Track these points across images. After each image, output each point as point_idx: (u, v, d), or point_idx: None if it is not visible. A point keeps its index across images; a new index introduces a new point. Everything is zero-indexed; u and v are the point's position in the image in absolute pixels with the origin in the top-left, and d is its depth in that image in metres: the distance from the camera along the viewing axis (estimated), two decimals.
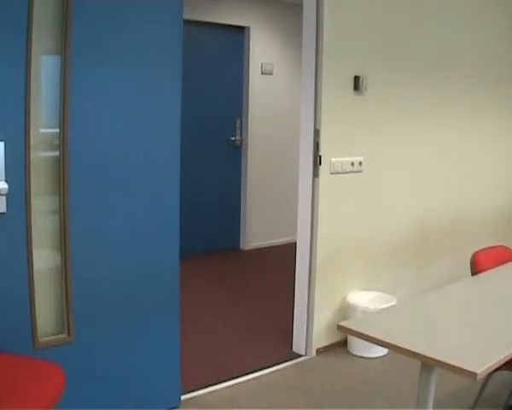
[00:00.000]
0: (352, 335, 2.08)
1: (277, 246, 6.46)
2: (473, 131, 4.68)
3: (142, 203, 2.71)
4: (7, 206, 2.29)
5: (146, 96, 2.66)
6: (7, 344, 2.31)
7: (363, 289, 3.92)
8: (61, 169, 2.46)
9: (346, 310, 3.78)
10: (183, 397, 3.04)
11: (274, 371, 3.45)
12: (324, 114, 3.55)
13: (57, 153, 2.46)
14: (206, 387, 3.21)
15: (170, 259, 2.84)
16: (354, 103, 3.72)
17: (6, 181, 2.27)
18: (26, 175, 2.33)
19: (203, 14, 5.62)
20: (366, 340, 2.02)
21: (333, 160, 3.64)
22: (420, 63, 4.11)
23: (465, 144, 4.62)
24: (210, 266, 5.68)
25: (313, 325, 3.67)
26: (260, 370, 3.45)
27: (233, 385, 3.25)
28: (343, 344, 3.81)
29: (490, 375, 2.56)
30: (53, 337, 2.52)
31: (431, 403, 1.93)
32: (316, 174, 3.59)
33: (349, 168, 3.74)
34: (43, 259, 2.48)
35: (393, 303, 3.67)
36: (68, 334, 2.54)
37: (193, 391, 3.15)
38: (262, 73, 6.17)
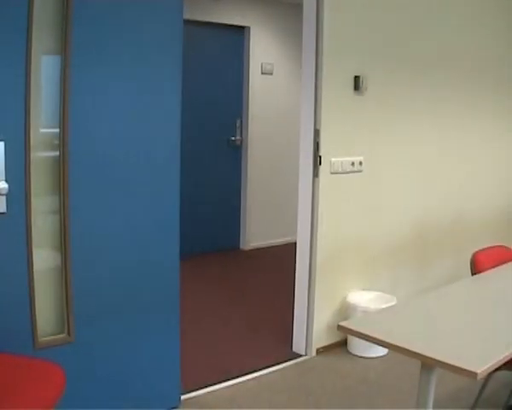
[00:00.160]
0: (352, 335, 2.08)
1: (277, 246, 6.46)
2: (473, 131, 4.68)
3: (142, 203, 2.71)
4: (7, 206, 2.29)
5: (146, 96, 2.67)
6: (7, 344, 2.31)
7: (363, 289, 3.92)
8: (61, 169, 2.46)
9: (346, 310, 3.78)
10: (183, 397, 3.04)
11: (274, 371, 3.45)
12: (324, 114, 3.55)
13: (57, 153, 2.46)
14: (206, 387, 3.21)
15: (170, 259, 2.84)
16: (354, 103, 3.72)
17: (6, 181, 2.27)
18: (26, 175, 2.33)
19: (203, 14, 5.62)
20: (366, 340, 2.02)
21: (333, 160, 3.64)
22: (420, 63, 4.11)
23: (465, 144, 4.62)
24: (210, 266, 5.68)
25: (313, 325, 3.67)
26: (260, 370, 3.45)
27: (233, 385, 3.25)
28: (343, 344, 3.82)
29: (490, 375, 2.56)
30: (53, 337, 2.52)
31: (431, 403, 1.93)
32: (316, 174, 3.59)
33: (349, 168, 3.74)
34: (43, 259, 2.48)
35: (393, 303, 3.67)
36: (68, 334, 2.54)
37: (193, 391, 3.15)
38: (262, 73, 6.17)
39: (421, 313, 2.27)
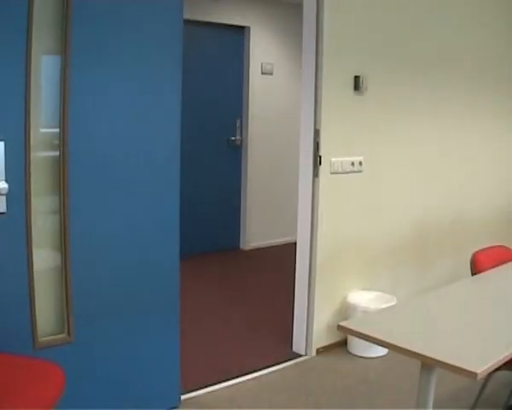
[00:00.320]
0: (352, 335, 2.08)
1: (277, 246, 6.46)
2: (473, 131, 4.68)
3: (142, 203, 2.71)
4: (7, 206, 2.29)
5: (146, 96, 2.67)
6: (7, 344, 2.31)
7: (363, 289, 3.92)
8: (61, 169, 2.46)
9: (346, 310, 3.78)
10: (183, 397, 3.04)
11: (274, 371, 3.45)
12: (324, 114, 3.55)
13: (57, 153, 2.46)
14: (206, 387, 3.21)
15: (170, 259, 2.84)
16: (354, 103, 3.72)
17: (6, 181, 2.27)
18: (26, 175, 2.33)
19: (203, 14, 5.62)
20: (366, 340, 2.02)
21: (333, 160, 3.64)
22: (420, 63, 4.11)
23: (465, 144, 4.62)
24: (210, 266, 5.68)
25: (313, 325, 3.67)
26: (260, 370, 3.45)
27: (233, 385, 3.25)
28: (343, 344, 3.82)
29: (490, 375, 2.56)
30: (53, 337, 2.51)
31: (431, 403, 1.93)
32: (316, 174, 3.59)
33: (349, 168, 3.74)
34: (43, 259, 2.48)
35: (393, 303, 3.67)
36: (68, 334, 2.54)
37: (193, 391, 3.15)
38: (262, 73, 6.17)
39: (421, 313, 2.27)
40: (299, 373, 3.45)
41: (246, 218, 6.27)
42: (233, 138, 6.14)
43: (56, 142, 2.45)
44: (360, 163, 3.80)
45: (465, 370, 1.73)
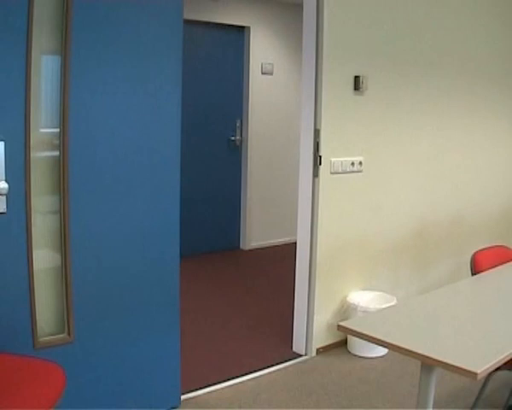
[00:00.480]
0: (352, 335, 2.08)
1: (277, 246, 6.46)
2: (473, 130, 4.68)
3: (143, 203, 2.71)
4: (7, 206, 2.29)
5: (146, 95, 2.66)
6: (7, 344, 2.31)
7: (363, 289, 3.92)
8: (61, 169, 2.46)
9: (346, 310, 3.78)
10: (183, 397, 3.04)
11: (274, 371, 3.45)
12: (324, 114, 3.55)
13: (57, 153, 2.46)
14: (206, 387, 3.21)
15: (170, 259, 2.84)
16: (354, 103, 3.72)
17: (6, 181, 2.27)
18: (25, 175, 2.33)
19: (203, 14, 5.62)
20: (366, 340, 2.02)
21: (333, 160, 3.64)
22: (420, 63, 4.11)
23: (465, 144, 4.62)
24: (210, 266, 5.68)
25: (313, 325, 3.67)
26: (260, 370, 3.45)
27: (233, 385, 3.25)
28: (343, 344, 3.82)
29: (490, 375, 2.56)
30: (53, 337, 2.52)
31: (431, 403, 1.93)
32: (316, 174, 3.59)
33: (349, 168, 3.74)
34: (43, 259, 2.48)
35: (393, 303, 3.67)
36: (68, 334, 2.54)
37: (193, 391, 3.15)
38: (262, 73, 6.17)
39: (421, 313, 2.27)
40: (299, 373, 3.45)
41: (246, 218, 6.27)
42: (233, 138, 6.14)
43: (56, 142, 2.46)
44: (360, 163, 3.80)
45: (465, 370, 1.73)
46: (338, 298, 3.80)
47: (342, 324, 2.09)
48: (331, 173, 3.64)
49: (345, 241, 3.79)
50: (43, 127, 2.44)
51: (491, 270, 2.83)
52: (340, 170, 3.69)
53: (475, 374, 1.71)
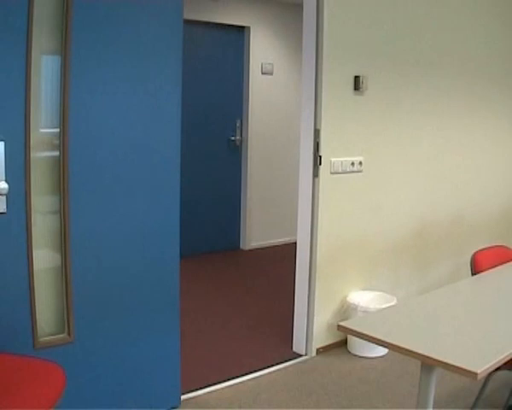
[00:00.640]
0: (352, 335, 2.08)
1: (277, 246, 6.46)
2: (473, 131, 4.68)
3: (143, 203, 2.71)
4: (7, 206, 2.29)
5: (146, 95, 2.66)
6: (7, 344, 2.31)
7: (364, 289, 3.92)
8: (61, 169, 2.46)
9: (346, 310, 3.78)
10: (183, 397, 3.04)
11: (274, 371, 3.45)
12: (324, 114, 3.55)
13: (57, 153, 2.46)
14: (206, 387, 3.21)
15: (170, 259, 2.84)
16: (354, 103, 3.72)
17: (6, 181, 2.27)
18: (25, 175, 2.33)
19: (203, 14, 5.62)
20: (366, 340, 2.02)
21: (333, 160, 3.64)
22: (421, 63, 4.11)
23: (465, 144, 4.62)
24: (210, 266, 5.68)
25: (313, 325, 3.67)
26: (260, 370, 3.45)
27: (233, 385, 3.25)
28: (343, 344, 3.82)
29: (490, 375, 2.56)
30: (53, 337, 2.52)
31: (431, 403, 1.93)
32: (316, 174, 3.59)
33: (349, 168, 3.74)
34: (43, 259, 2.48)
35: (393, 303, 3.67)
36: (68, 334, 2.54)
37: (193, 391, 3.15)
38: (262, 73, 6.17)
39: (421, 313, 2.27)
40: (299, 373, 3.45)
41: (246, 218, 6.27)
42: (233, 138, 6.14)
43: (56, 142, 2.46)
44: (360, 163, 3.80)
45: (465, 370, 1.73)
46: (338, 298, 3.80)
47: (342, 324, 2.09)
48: (331, 173, 3.64)
49: (345, 241, 3.79)
50: (43, 127, 2.44)
51: (491, 270, 2.83)
52: (340, 170, 3.69)
53: (475, 374, 1.71)
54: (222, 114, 6.02)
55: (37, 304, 2.42)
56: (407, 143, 4.12)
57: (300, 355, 3.69)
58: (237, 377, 3.35)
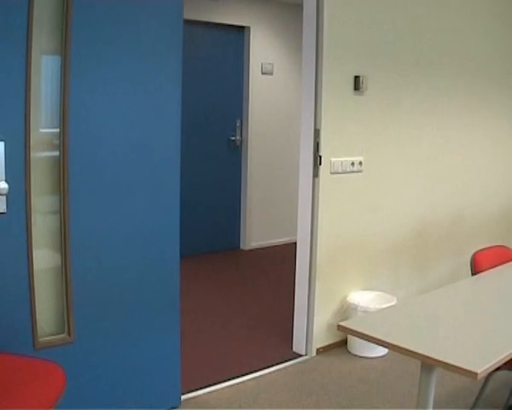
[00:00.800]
0: (352, 335, 2.08)
1: (277, 246, 6.46)
2: (473, 131, 4.68)
3: (143, 203, 2.71)
4: (7, 206, 2.29)
5: (146, 95, 2.66)
6: (7, 344, 2.31)
7: (364, 289, 3.92)
8: (61, 169, 2.46)
9: (346, 310, 3.78)
10: (183, 397, 3.04)
11: (274, 371, 3.45)
12: (324, 114, 3.55)
13: (57, 153, 2.46)
14: (206, 387, 3.21)
15: (170, 259, 2.84)
16: (354, 103, 3.72)
17: (6, 181, 2.27)
18: (25, 175, 2.33)
19: (203, 14, 5.62)
20: (366, 340, 2.02)
21: (333, 160, 3.64)
22: (421, 63, 4.11)
23: (465, 144, 4.62)
24: (210, 266, 5.68)
25: (313, 325, 3.67)
26: (260, 370, 3.45)
27: (233, 385, 3.25)
28: (343, 344, 3.82)
29: (490, 375, 2.56)
30: (53, 337, 2.52)
31: (431, 403, 1.93)
32: (316, 174, 3.59)
33: (349, 168, 3.74)
34: (43, 259, 2.48)
35: (393, 303, 3.67)
36: (68, 334, 2.54)
37: (193, 391, 3.15)
38: (262, 73, 6.17)
39: (421, 313, 2.27)
40: (299, 373, 3.45)
41: (246, 218, 6.27)
42: (233, 138, 6.14)
43: (56, 142, 2.46)
44: (360, 163, 3.80)
45: (465, 370, 1.73)
46: (338, 298, 3.80)
47: (342, 324, 2.09)
48: (331, 173, 3.64)
49: (345, 241, 3.79)
50: (43, 127, 2.44)
51: (491, 270, 2.83)
52: (340, 170, 3.69)
53: (475, 374, 1.71)
54: (222, 114, 6.02)
55: (37, 304, 2.42)
56: (407, 143, 4.12)
57: (300, 355, 3.69)
58: (237, 377, 3.35)
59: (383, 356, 3.67)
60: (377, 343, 1.99)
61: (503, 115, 4.95)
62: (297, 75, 6.32)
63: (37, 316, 2.43)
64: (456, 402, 3.10)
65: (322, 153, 3.57)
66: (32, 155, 2.35)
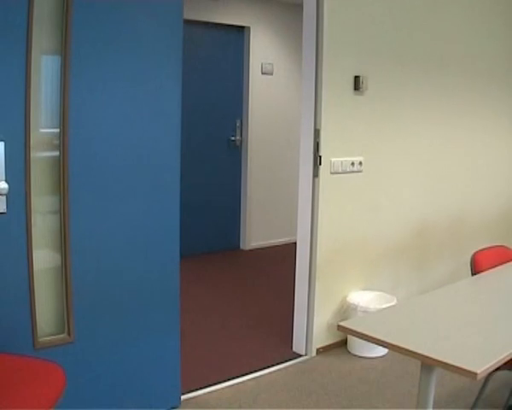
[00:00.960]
0: (352, 335, 2.08)
1: (277, 246, 6.46)
2: (474, 131, 4.67)
3: (143, 203, 2.71)
4: (7, 206, 2.29)
5: (146, 95, 2.66)
6: (7, 344, 2.31)
7: (363, 289, 3.92)
8: (61, 169, 2.46)
9: (346, 310, 3.78)
10: (183, 397, 3.04)
11: (274, 371, 3.45)
12: (324, 114, 3.55)
13: (57, 153, 2.46)
14: (206, 387, 3.21)
15: (170, 259, 2.84)
16: (354, 103, 3.72)
17: (6, 181, 2.27)
18: (25, 175, 2.33)
19: (203, 14, 5.62)
20: (366, 340, 2.02)
21: (333, 160, 3.64)
22: (421, 63, 4.11)
23: (466, 144, 4.62)
24: (210, 266, 5.68)
25: (313, 325, 3.67)
26: (260, 370, 3.45)
27: (233, 385, 3.25)
28: (343, 344, 3.82)
29: (490, 375, 2.56)
30: (53, 337, 2.52)
31: (431, 403, 1.93)
32: (316, 174, 3.59)
33: (349, 168, 3.74)
34: (44, 259, 2.48)
35: (393, 303, 3.67)
36: (68, 334, 2.54)
37: (193, 391, 3.15)
38: (262, 73, 6.17)
39: (421, 313, 2.27)
40: (299, 373, 3.45)
41: (246, 218, 6.27)
42: (233, 138, 6.14)
43: (56, 142, 2.46)
44: (360, 163, 3.80)
45: (465, 370, 1.73)
46: (338, 298, 3.80)
47: (342, 324, 2.09)
48: (331, 173, 3.64)
49: (345, 241, 3.79)
50: (43, 127, 2.44)
51: (491, 270, 2.83)
52: (340, 170, 3.69)
53: (475, 374, 1.71)
54: (222, 114, 6.02)
55: (37, 304, 2.42)
56: (407, 143, 4.12)
57: (300, 355, 3.69)
58: (237, 377, 3.35)
59: (383, 356, 3.66)
60: (377, 343, 1.99)
61: (504, 113, 4.94)
62: (297, 75, 6.32)
63: (37, 316, 2.43)
64: (456, 402, 3.10)
65: (322, 153, 3.57)
66: (32, 155, 2.35)
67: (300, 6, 3.65)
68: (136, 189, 2.68)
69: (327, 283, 3.71)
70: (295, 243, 3.77)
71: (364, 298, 3.80)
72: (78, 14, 2.40)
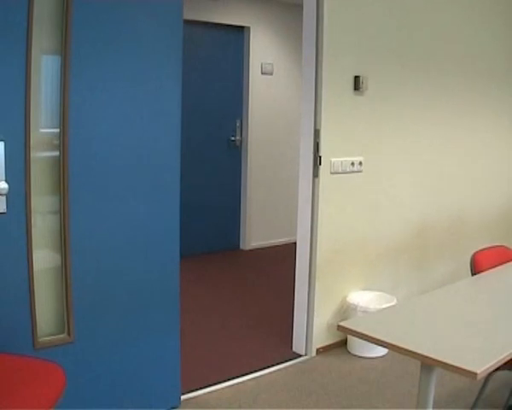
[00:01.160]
0: (352, 335, 2.08)
1: (277, 246, 6.46)
2: (474, 131, 4.67)
3: (143, 203, 2.71)
4: (7, 206, 2.29)
5: (146, 95, 2.66)
6: (7, 344, 2.31)
7: (363, 289, 3.92)
8: (61, 169, 2.46)
9: (346, 310, 3.78)
10: (183, 397, 3.04)
11: (274, 371, 3.45)
12: (324, 114, 3.54)
13: (57, 153, 2.46)
14: (206, 387, 3.21)
15: (170, 259, 2.84)
16: (354, 103, 3.72)
17: (6, 181, 2.27)
18: (25, 175, 2.33)
19: (203, 14, 5.62)
20: (366, 340, 2.02)
21: (333, 160, 3.64)
22: (421, 63, 4.11)
23: (466, 144, 4.62)
24: (210, 266, 5.68)
25: (313, 325, 3.67)
26: (260, 370, 3.45)
27: (233, 385, 3.25)
28: (343, 344, 3.82)
29: (490, 375, 2.56)
30: (53, 337, 2.51)
31: (431, 403, 1.93)
32: (316, 174, 3.59)
33: (349, 168, 3.74)
34: (43, 259, 2.48)
35: (393, 303, 3.67)
36: (68, 334, 2.54)
37: (193, 391, 3.15)
38: (262, 73, 6.17)
39: (421, 313, 2.27)
40: (299, 373, 3.45)
41: (246, 218, 6.27)
42: (233, 138, 6.14)
43: (56, 142, 2.45)
44: (360, 163, 3.80)
45: (465, 370, 1.73)
46: (338, 298, 3.80)
47: (342, 324, 2.09)
48: (331, 173, 3.64)
49: (345, 241, 3.79)
50: (43, 127, 2.44)
51: (491, 270, 2.83)
52: (340, 170, 3.69)
53: (475, 374, 1.71)
54: (222, 114, 6.02)
55: (37, 304, 2.42)
56: (407, 144, 4.12)
57: (300, 355, 3.69)
58: (237, 377, 3.35)
59: (383, 356, 3.66)
60: (377, 343, 1.99)
61: (504, 113, 4.94)
62: (297, 75, 6.32)
63: (37, 316, 2.43)
64: (456, 402, 3.10)
65: (322, 153, 3.57)
66: (32, 155, 2.35)
67: (300, 6, 3.65)
68: (136, 189, 2.68)
69: (327, 283, 3.71)
70: (295, 243, 3.77)
71: (364, 298, 3.80)
72: (78, 14, 2.40)
